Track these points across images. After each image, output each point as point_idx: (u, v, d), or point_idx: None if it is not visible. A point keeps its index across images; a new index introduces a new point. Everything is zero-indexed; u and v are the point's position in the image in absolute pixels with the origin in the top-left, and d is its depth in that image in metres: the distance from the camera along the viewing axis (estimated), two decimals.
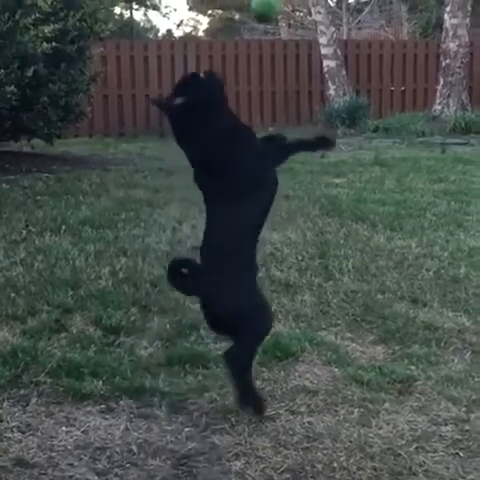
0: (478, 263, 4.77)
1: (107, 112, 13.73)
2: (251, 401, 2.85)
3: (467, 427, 2.81)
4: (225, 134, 2.78)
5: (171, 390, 3.07)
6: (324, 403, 2.99)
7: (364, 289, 4.26)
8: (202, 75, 2.82)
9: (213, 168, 2.78)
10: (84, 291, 4.19)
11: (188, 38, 32.86)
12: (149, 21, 40.84)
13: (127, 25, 32.40)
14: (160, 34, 39.52)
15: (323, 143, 3.03)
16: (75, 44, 9.24)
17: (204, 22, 40.99)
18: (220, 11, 36.44)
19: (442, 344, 3.54)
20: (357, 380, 3.16)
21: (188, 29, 42.23)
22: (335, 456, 2.62)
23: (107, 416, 2.91)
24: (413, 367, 3.28)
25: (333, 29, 15.11)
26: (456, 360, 3.37)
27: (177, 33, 40.95)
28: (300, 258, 4.84)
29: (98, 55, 11.04)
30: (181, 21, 53.13)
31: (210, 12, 37.94)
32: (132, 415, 2.91)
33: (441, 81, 14.22)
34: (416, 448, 2.66)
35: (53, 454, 2.65)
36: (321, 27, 14.60)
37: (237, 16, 34.08)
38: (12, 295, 4.11)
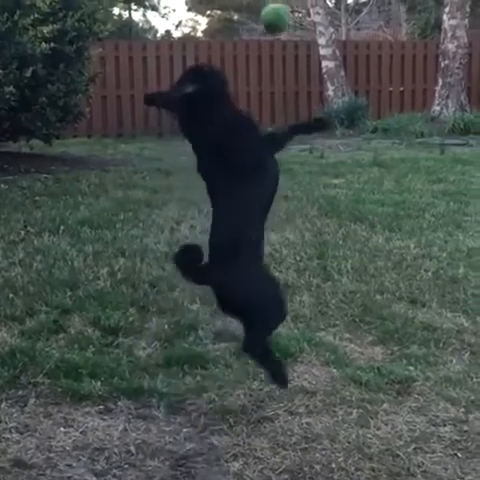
0: (477, 263, 4.77)
1: (106, 113, 13.73)
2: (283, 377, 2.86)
3: (466, 428, 2.81)
4: (230, 121, 2.82)
5: (169, 391, 3.07)
6: (322, 404, 2.99)
7: (363, 290, 4.26)
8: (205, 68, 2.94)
9: (218, 154, 2.77)
10: (82, 292, 4.19)
11: (187, 39, 32.88)
12: (148, 22, 40.87)
13: (126, 26, 32.41)
14: (159, 35, 39.56)
15: (318, 125, 3.14)
16: (74, 45, 9.24)
17: (203, 23, 41.04)
18: (219, 12, 36.45)
19: (441, 345, 3.54)
20: (356, 381, 3.15)
21: (187, 30, 42.28)
22: (333, 457, 2.61)
23: (105, 417, 2.90)
24: (412, 368, 3.28)
25: (332, 30, 15.12)
26: (455, 361, 3.37)
27: (176, 34, 41.01)
28: (298, 259, 4.84)
29: (97, 56, 11.04)
30: (180, 22, 53.04)
31: (209, 13, 37.96)
32: (130, 416, 2.91)
33: (440, 82, 14.23)
34: (414, 449, 2.66)
35: (51, 455, 2.65)
36: (320, 28, 14.61)
37: (236, 17, 34.10)
38: (10, 296, 4.11)
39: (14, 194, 7.32)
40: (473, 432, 2.77)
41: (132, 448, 2.68)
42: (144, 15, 40.83)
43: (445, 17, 14.27)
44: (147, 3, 38.29)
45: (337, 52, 14.60)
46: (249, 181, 2.76)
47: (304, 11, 24.55)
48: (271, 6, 2.96)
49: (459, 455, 2.63)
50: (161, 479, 2.52)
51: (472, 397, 3.02)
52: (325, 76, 14.50)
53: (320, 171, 8.73)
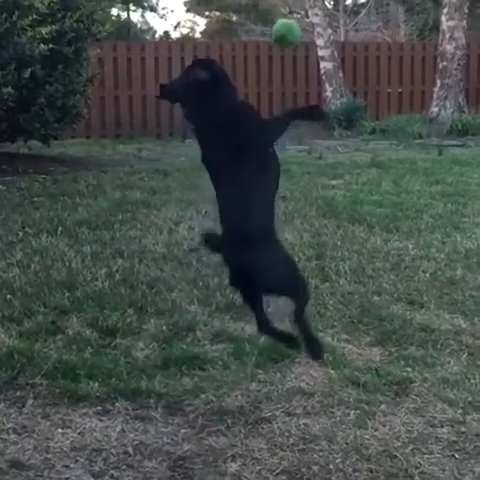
0: (474, 265, 4.78)
1: (104, 113, 13.71)
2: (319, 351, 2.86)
3: (463, 429, 2.81)
4: (235, 107, 2.86)
5: (167, 392, 3.07)
6: (320, 405, 2.99)
7: (361, 291, 4.27)
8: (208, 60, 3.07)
9: (223, 139, 2.77)
10: (80, 293, 4.19)
11: (185, 39, 32.88)
12: (146, 22, 40.86)
13: (124, 26, 32.38)
14: (157, 35, 39.55)
15: (312, 112, 3.17)
16: (72, 45, 9.23)
17: (201, 24, 41.05)
18: (217, 13, 36.45)
19: (438, 346, 3.54)
20: (353, 382, 3.16)
21: (185, 30, 42.29)
22: (331, 458, 2.62)
23: (103, 418, 2.91)
24: (409, 369, 3.28)
25: (330, 31, 15.12)
26: (452, 362, 3.37)
27: (174, 34, 41.01)
28: (297, 259, 4.83)
29: (95, 56, 11.04)
30: (178, 23, 53.07)
31: (207, 14, 37.96)
32: (128, 417, 2.91)
33: (438, 83, 14.24)
34: (412, 450, 2.67)
35: (49, 456, 2.65)
36: (318, 29, 14.61)
37: (234, 18, 34.12)
38: (8, 296, 4.11)
39: (12, 195, 7.32)
40: (471, 433, 2.78)
41: (130, 449, 2.69)
42: (142, 16, 40.84)
43: (443, 18, 14.28)
44: (145, 4, 38.27)
45: (335, 53, 14.60)
46: (255, 165, 2.76)
47: (302, 12, 24.58)
48: (282, 20, 3.04)
49: (457, 456, 2.64)
50: None
51: (470, 398, 3.03)
52: (323, 77, 14.51)
53: (318, 172, 8.73)
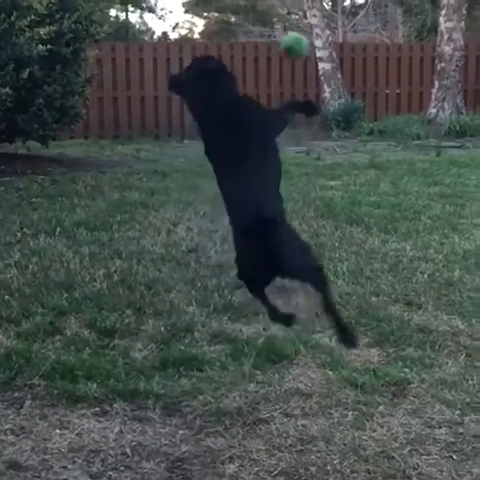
0: (472, 266, 4.78)
1: (102, 114, 13.71)
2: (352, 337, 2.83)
3: (461, 430, 2.81)
4: (237, 99, 2.92)
5: (165, 393, 3.07)
6: (318, 406, 2.99)
7: (359, 292, 4.27)
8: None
9: (226, 130, 2.78)
10: (79, 293, 4.19)
11: (184, 40, 32.87)
12: (145, 23, 40.89)
13: (123, 27, 32.40)
14: (156, 36, 39.55)
15: (308, 107, 3.20)
16: (70, 46, 9.23)
17: (200, 24, 41.04)
18: (216, 14, 36.47)
19: (436, 347, 3.54)
20: (351, 383, 3.16)
21: (184, 31, 42.31)
22: (329, 459, 2.62)
23: (101, 419, 2.90)
24: (407, 370, 3.28)
25: (328, 32, 15.12)
26: (450, 363, 3.37)
27: (173, 35, 41.01)
28: None
29: (93, 57, 11.02)
30: (177, 23, 53.14)
31: (206, 15, 37.96)
32: (126, 418, 2.91)
33: (436, 84, 14.25)
34: (410, 451, 2.67)
35: (47, 457, 2.65)
36: (316, 30, 14.62)
37: (233, 19, 34.13)
38: (6, 297, 4.10)
39: (10, 195, 7.31)
40: (468, 434, 2.78)
41: (128, 450, 2.68)
42: (141, 17, 40.94)
43: (441, 20, 14.29)
44: (144, 5, 38.30)
45: (334, 54, 14.60)
46: (258, 152, 2.76)
47: (301, 13, 24.59)
48: (292, 33, 3.13)
49: (454, 457, 2.64)
50: None
51: (467, 399, 3.03)
52: (322, 78, 14.51)
53: (316, 173, 8.74)
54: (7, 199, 7.12)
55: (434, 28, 16.58)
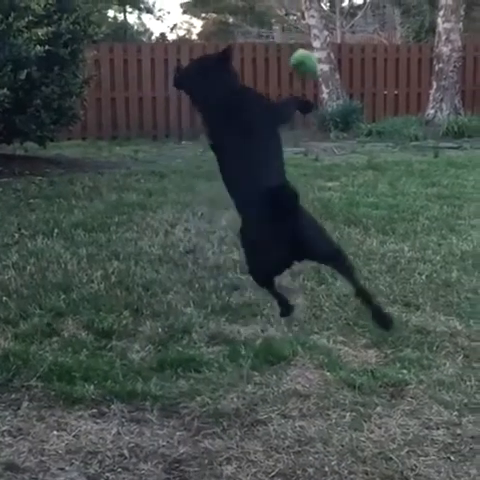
0: (470, 267, 4.78)
1: (100, 115, 13.71)
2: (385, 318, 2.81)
3: (459, 431, 2.81)
4: (239, 88, 2.93)
5: (163, 394, 3.07)
6: (316, 407, 2.99)
7: None
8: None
9: (229, 118, 2.79)
10: (76, 295, 4.18)
11: (182, 41, 32.90)
12: (143, 24, 40.99)
13: (121, 28, 32.41)
14: (154, 37, 39.58)
15: (305, 104, 3.18)
16: (68, 47, 9.23)
17: (198, 25, 41.09)
18: (214, 14, 36.48)
19: (434, 348, 3.54)
20: (349, 384, 3.16)
21: (182, 32, 42.35)
22: (327, 460, 2.62)
23: (98, 420, 2.90)
24: (405, 371, 3.28)
25: (326, 33, 15.14)
26: (448, 364, 3.37)
27: (171, 36, 41.04)
28: None
29: (91, 58, 11.04)
30: (175, 24, 53.21)
31: (204, 15, 37.98)
32: (124, 419, 2.91)
33: (434, 85, 14.27)
34: (408, 452, 2.67)
35: (44, 458, 2.64)
36: (314, 31, 14.63)
37: (231, 19, 34.14)
38: (4, 299, 4.10)
39: (8, 197, 7.31)
40: (466, 435, 2.78)
41: (125, 452, 2.68)
42: (139, 18, 41.00)
43: (439, 20, 14.31)
44: (142, 6, 38.31)
45: (332, 55, 14.62)
46: (267, 139, 2.77)
47: (299, 14, 24.59)
48: (301, 50, 3.15)
49: (452, 458, 2.64)
50: None
51: (465, 400, 3.03)
52: (320, 79, 14.52)
53: (314, 174, 8.74)
54: (5, 200, 7.12)
55: (432, 29, 16.59)
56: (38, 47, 8.47)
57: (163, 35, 40.50)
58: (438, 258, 4.96)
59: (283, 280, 4.41)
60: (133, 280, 4.46)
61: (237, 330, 3.74)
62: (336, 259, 2.74)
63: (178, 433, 2.81)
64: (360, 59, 15.15)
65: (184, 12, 39.89)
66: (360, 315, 3.93)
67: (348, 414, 2.92)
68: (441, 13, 14.23)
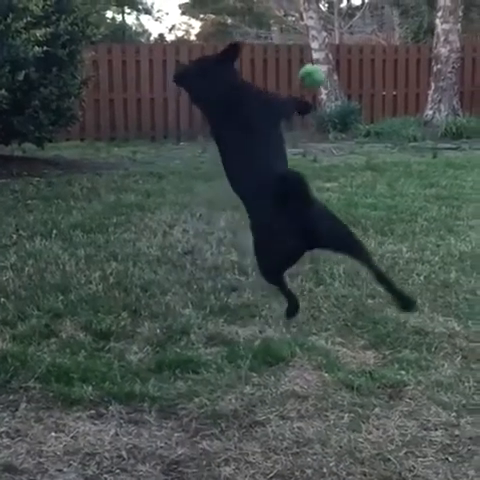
0: (468, 268, 4.78)
1: (98, 116, 13.70)
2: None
3: (457, 432, 2.81)
4: (240, 82, 2.96)
5: (161, 395, 3.07)
6: (314, 408, 2.99)
7: (355, 294, 4.27)
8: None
9: (231, 110, 2.81)
10: (74, 296, 4.18)
11: (180, 42, 32.89)
12: (141, 25, 40.88)
13: (119, 29, 32.37)
14: (152, 38, 39.56)
15: (304, 105, 3.21)
16: (67, 48, 9.23)
17: (196, 26, 41.10)
18: (212, 15, 36.48)
19: (432, 349, 3.54)
20: (347, 385, 3.15)
21: (180, 33, 42.32)
22: (325, 461, 2.61)
23: (97, 421, 2.90)
24: (403, 372, 3.28)
25: (325, 34, 15.15)
26: (446, 365, 3.37)
27: (169, 37, 41.03)
28: None
29: (90, 59, 11.03)
30: (173, 25, 53.14)
31: (202, 16, 37.98)
32: (122, 420, 2.90)
33: (432, 86, 14.28)
34: (406, 453, 2.66)
35: (42, 460, 2.64)
36: (313, 32, 14.64)
37: (229, 20, 34.13)
38: (2, 300, 4.09)
39: (6, 198, 7.30)
40: (464, 436, 2.78)
41: (123, 453, 2.68)
42: (137, 18, 41.01)
43: (438, 21, 14.32)
44: (140, 6, 38.31)
45: (330, 56, 14.62)
46: (262, 131, 2.79)
47: (297, 15, 24.60)
48: (308, 65, 3.30)
49: (450, 459, 2.64)
50: None
51: (463, 401, 3.03)
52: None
53: (313, 175, 8.72)
54: (3, 201, 7.11)
55: (430, 30, 16.61)
56: (36, 48, 8.48)
57: (162, 36, 40.52)
58: (436, 259, 4.96)
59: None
60: (131, 281, 4.46)
61: (235, 331, 3.74)
62: (351, 247, 2.73)
63: (176, 434, 2.80)
64: (358, 60, 15.16)
65: (182, 13, 39.91)
66: (358, 316, 3.94)
67: (346, 415, 2.92)
68: (439, 14, 14.24)
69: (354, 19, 25.95)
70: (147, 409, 2.97)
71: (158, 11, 42.80)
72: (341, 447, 2.70)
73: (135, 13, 38.90)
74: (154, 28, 72.30)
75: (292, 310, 3.01)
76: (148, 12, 39.61)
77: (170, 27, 54.51)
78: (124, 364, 3.35)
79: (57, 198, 7.13)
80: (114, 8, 33.51)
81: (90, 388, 3.08)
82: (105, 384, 3.12)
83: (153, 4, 40.20)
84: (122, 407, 2.98)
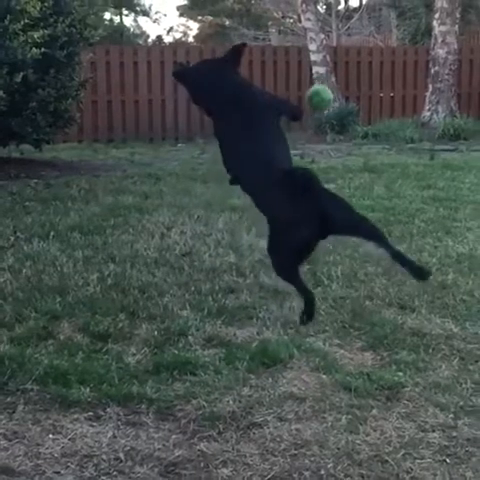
0: (466, 269, 4.78)
1: (96, 118, 13.69)
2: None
3: (454, 433, 2.81)
4: (242, 79, 3.00)
5: (159, 397, 3.07)
6: (312, 410, 2.99)
7: (352, 295, 4.27)
8: None
9: (233, 104, 2.85)
10: (72, 298, 4.18)
11: (178, 44, 32.88)
12: (139, 27, 40.94)
13: (117, 31, 32.43)
14: (150, 40, 39.60)
15: (293, 110, 3.20)
16: (64, 50, 9.22)
17: (194, 28, 41.11)
18: (210, 17, 36.51)
19: (430, 350, 3.54)
20: (345, 387, 3.16)
21: (178, 35, 42.36)
22: (322, 463, 2.62)
23: (94, 423, 2.89)
24: (401, 373, 3.28)
25: (322, 36, 15.15)
26: (444, 366, 3.37)
27: (167, 39, 41.05)
28: None
29: (87, 61, 11.04)
30: (171, 27, 53.20)
31: (200, 18, 38.01)
32: (119, 422, 2.90)
33: (430, 88, 14.29)
34: (403, 455, 2.67)
35: (40, 462, 2.64)
36: (311, 34, 14.64)
37: (227, 22, 34.16)
38: None
39: (4, 199, 7.30)
40: (462, 438, 2.78)
41: (121, 455, 2.68)
42: (135, 20, 40.92)
43: (435, 23, 14.34)
44: (138, 8, 38.34)
45: (328, 58, 14.63)
46: (266, 126, 2.83)
47: (295, 17, 24.62)
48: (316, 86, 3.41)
49: (448, 461, 2.64)
50: None
51: (461, 403, 3.03)
52: (316, 82, 14.50)
53: None
54: (0, 203, 7.10)
55: (428, 31, 16.64)
56: (34, 50, 8.47)
57: (159, 38, 40.54)
58: (434, 260, 4.96)
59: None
60: (129, 283, 4.46)
61: (233, 333, 3.74)
62: (366, 230, 2.77)
63: (174, 436, 2.80)
64: (356, 62, 15.17)
65: (181, 15, 39.96)
66: (356, 318, 3.94)
67: (344, 417, 2.92)
68: (437, 16, 14.26)
69: (352, 21, 25.95)
70: (145, 411, 2.97)
71: (156, 13, 42.97)
72: (339, 449, 2.70)
73: (133, 15, 38.97)
74: (152, 30, 72.39)
75: (309, 312, 3.01)
76: (146, 14, 39.69)
77: (168, 29, 54.47)
78: (122, 366, 3.35)
79: (55, 200, 7.13)
80: (112, 10, 33.55)
81: (88, 390, 3.08)
82: (103, 386, 3.12)
83: (151, 6, 40.35)
84: (120, 409, 2.98)
